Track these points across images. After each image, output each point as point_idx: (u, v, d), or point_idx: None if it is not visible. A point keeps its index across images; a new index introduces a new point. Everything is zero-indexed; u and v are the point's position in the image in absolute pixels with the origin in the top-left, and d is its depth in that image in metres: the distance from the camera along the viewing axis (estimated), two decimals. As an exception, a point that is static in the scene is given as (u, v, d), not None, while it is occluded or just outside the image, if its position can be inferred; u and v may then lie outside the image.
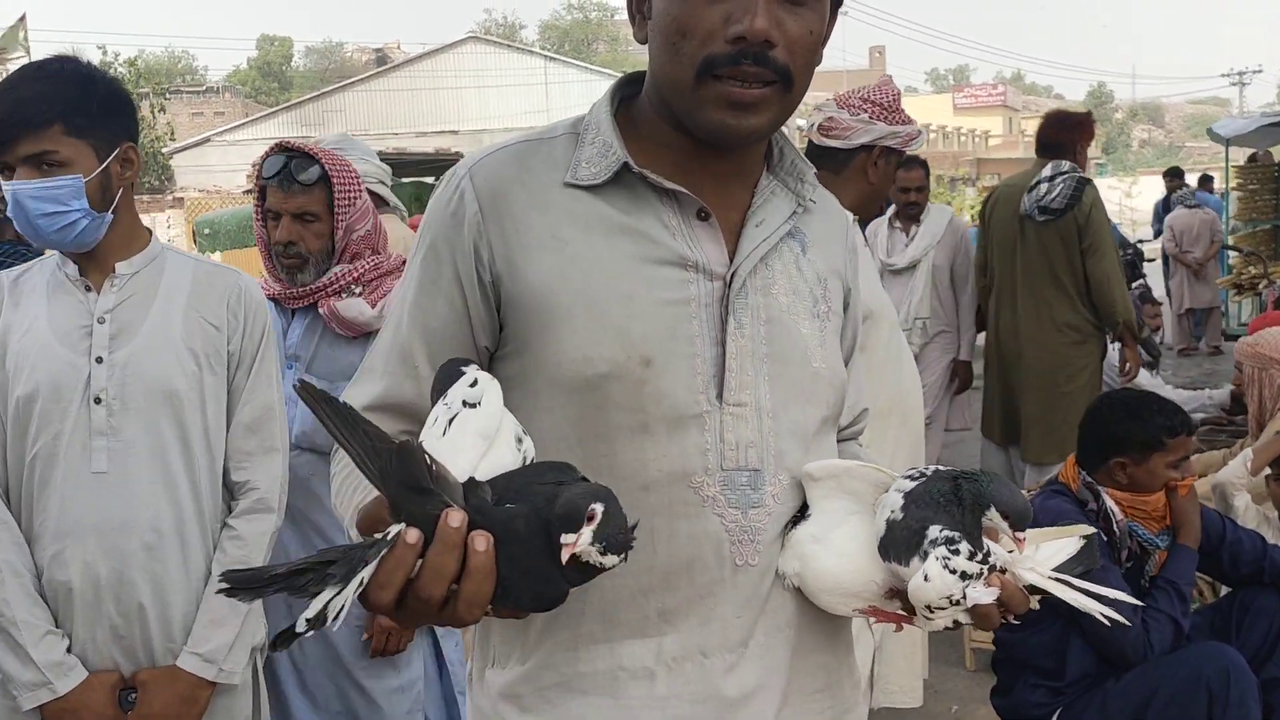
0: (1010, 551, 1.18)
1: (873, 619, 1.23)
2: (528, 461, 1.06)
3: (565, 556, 0.96)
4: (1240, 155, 10.99)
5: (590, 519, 0.96)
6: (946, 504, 1.13)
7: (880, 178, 2.94)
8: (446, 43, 40.32)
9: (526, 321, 1.24)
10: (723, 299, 1.26)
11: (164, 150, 38.63)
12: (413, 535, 0.96)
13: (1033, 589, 1.18)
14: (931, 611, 1.13)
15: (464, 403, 1.06)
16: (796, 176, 1.36)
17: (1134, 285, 11.56)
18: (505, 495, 1.01)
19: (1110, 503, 2.95)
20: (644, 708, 1.23)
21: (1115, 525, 2.93)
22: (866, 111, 2.88)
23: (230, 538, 2.10)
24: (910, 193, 5.52)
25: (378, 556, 0.95)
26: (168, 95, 43.13)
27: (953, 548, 1.10)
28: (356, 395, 1.31)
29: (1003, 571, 1.15)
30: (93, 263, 2.02)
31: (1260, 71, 63.69)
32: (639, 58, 1.37)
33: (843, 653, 1.38)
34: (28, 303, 2.01)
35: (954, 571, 1.10)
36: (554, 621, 1.22)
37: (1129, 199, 33.59)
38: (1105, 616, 1.20)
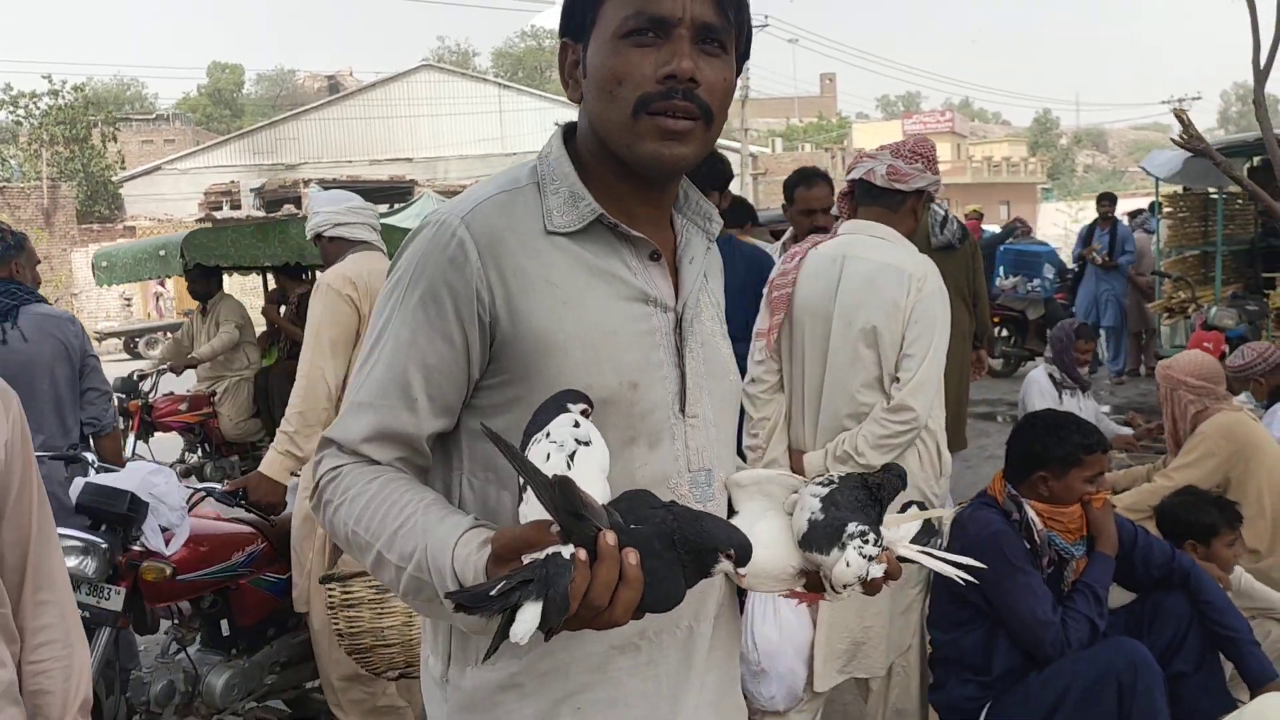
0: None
1: (795, 600, 1.51)
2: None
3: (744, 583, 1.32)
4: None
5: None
6: (861, 505, 1.41)
7: (921, 215, 3.49)
8: (399, 71, 40.44)
9: (527, 356, 1.40)
10: (676, 328, 1.50)
11: (114, 179, 38.36)
12: (583, 554, 1.15)
13: (903, 559, 1.47)
14: (845, 588, 1.40)
15: (577, 440, 1.25)
16: (704, 216, 1.59)
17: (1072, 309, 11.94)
18: (626, 518, 1.22)
19: (1032, 514, 3.24)
20: (629, 676, 1.46)
21: (1036, 534, 3.22)
22: (919, 162, 3.39)
23: None
24: (815, 214, 4.95)
25: (566, 573, 1.14)
26: (117, 123, 42.77)
27: (865, 539, 1.38)
28: (354, 427, 1.44)
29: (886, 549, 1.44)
30: None
31: (1199, 99, 65.22)
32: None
33: (737, 631, 1.67)
34: None
35: (866, 557, 1.38)
36: None
37: (1075, 223, 34.27)
38: (959, 577, 1.50)
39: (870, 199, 3.40)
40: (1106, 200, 11.91)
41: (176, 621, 3.78)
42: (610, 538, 1.16)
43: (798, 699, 3.37)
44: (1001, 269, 12.31)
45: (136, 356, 22.03)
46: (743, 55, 1.50)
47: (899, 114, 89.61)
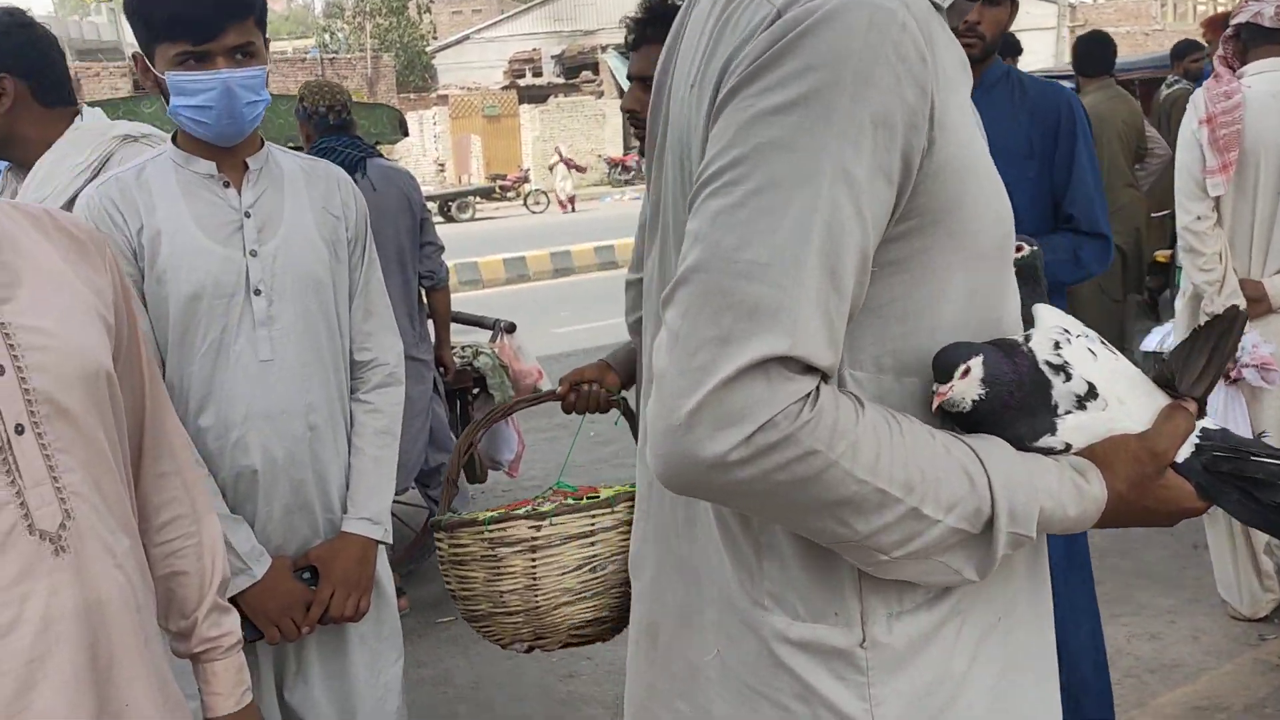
0: None
1: None
2: None
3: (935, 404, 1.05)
4: None
5: (966, 374, 1.04)
6: None
7: None
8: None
9: (947, 188, 1.04)
10: None
11: (427, 49, 40.29)
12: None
13: None
14: None
15: (1084, 333, 1.18)
16: None
17: None
18: None
19: None
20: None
21: None
22: None
23: (368, 411, 2.16)
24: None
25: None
26: (430, -5, 44.59)
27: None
28: (813, 332, 0.96)
29: None
30: (228, 159, 2.02)
31: None
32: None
33: None
34: (163, 203, 1.99)
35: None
36: None
37: None
38: None
39: (1261, 38, 3.55)
40: None
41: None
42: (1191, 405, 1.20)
43: None
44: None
45: (450, 220, 23.42)
46: None
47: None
